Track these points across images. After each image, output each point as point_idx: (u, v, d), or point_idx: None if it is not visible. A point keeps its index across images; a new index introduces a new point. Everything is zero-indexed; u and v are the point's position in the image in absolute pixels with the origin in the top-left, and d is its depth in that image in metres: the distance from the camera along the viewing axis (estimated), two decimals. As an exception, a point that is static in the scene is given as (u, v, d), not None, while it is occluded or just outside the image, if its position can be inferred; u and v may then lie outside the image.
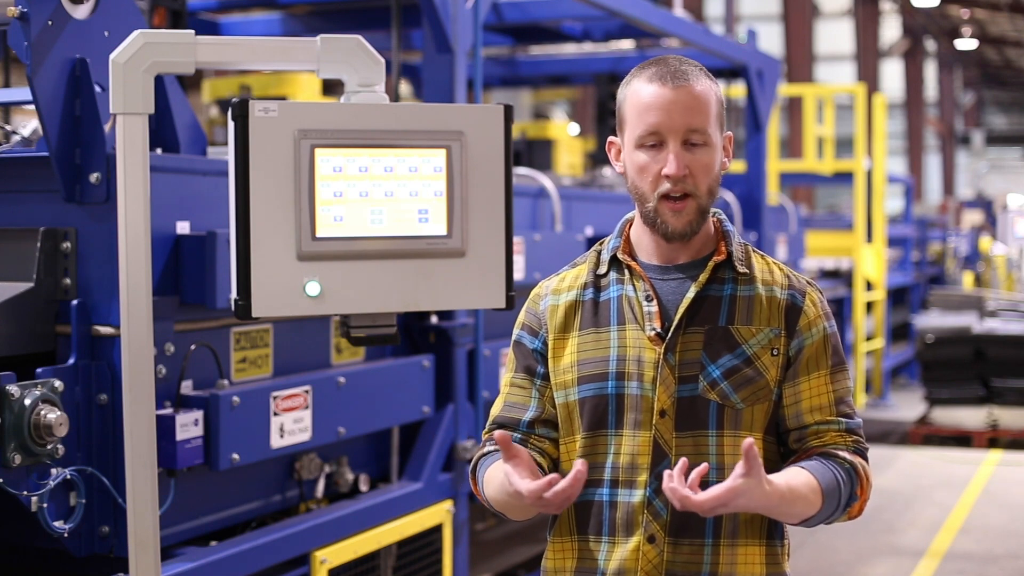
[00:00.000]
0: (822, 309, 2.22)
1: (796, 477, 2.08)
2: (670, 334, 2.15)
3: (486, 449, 2.29)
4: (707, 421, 2.14)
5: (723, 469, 2.12)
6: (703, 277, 2.17)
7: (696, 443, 2.13)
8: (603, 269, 2.25)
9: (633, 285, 2.20)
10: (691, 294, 2.16)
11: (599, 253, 2.28)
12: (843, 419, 2.19)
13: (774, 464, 2.19)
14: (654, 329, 2.15)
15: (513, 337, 2.34)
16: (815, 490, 2.08)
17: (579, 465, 1.97)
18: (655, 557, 2.13)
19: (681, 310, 2.15)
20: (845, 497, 2.13)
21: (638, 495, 2.14)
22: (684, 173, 2.11)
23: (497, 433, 2.03)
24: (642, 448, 2.14)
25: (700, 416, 2.14)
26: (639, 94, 2.15)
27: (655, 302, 2.17)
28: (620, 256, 2.23)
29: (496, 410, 2.33)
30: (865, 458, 2.19)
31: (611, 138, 2.27)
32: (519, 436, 2.24)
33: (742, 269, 2.19)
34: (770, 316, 2.17)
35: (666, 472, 1.97)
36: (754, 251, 2.26)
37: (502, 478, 2.08)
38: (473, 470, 2.30)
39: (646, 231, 2.21)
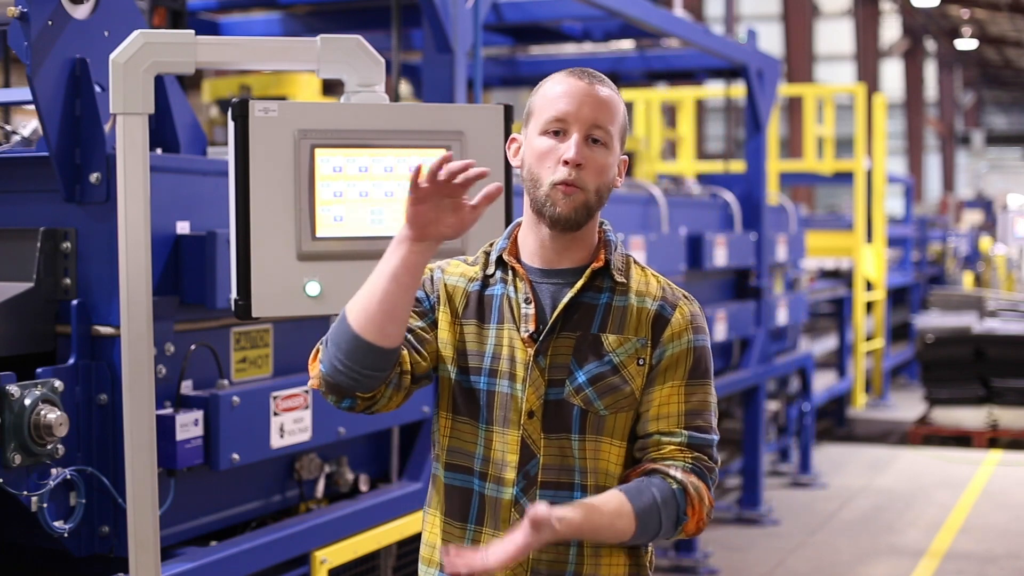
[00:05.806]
0: (692, 323, 2.22)
1: (606, 504, 2.08)
2: (542, 337, 2.18)
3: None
4: (571, 425, 2.17)
5: (586, 472, 2.16)
6: (579, 283, 2.19)
7: (561, 445, 2.17)
8: (491, 270, 2.26)
9: (515, 286, 2.22)
10: (566, 299, 2.19)
11: (487, 254, 2.30)
12: (689, 432, 2.17)
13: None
14: (528, 331, 2.18)
15: None
16: (626, 514, 2.07)
17: None
18: None
19: (555, 314, 2.18)
20: (670, 518, 2.11)
21: (507, 492, 2.17)
22: (581, 162, 2.14)
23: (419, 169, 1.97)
24: (511, 447, 2.17)
25: (565, 419, 2.17)
26: (553, 88, 2.19)
27: (533, 304, 2.20)
28: (505, 257, 2.25)
29: None
30: (703, 477, 2.16)
31: (513, 135, 2.29)
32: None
33: (619, 279, 2.22)
34: (638, 326, 2.20)
35: (448, 552, 1.97)
36: (635, 263, 2.29)
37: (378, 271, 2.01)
38: (316, 351, 2.16)
39: (531, 232, 2.23)
